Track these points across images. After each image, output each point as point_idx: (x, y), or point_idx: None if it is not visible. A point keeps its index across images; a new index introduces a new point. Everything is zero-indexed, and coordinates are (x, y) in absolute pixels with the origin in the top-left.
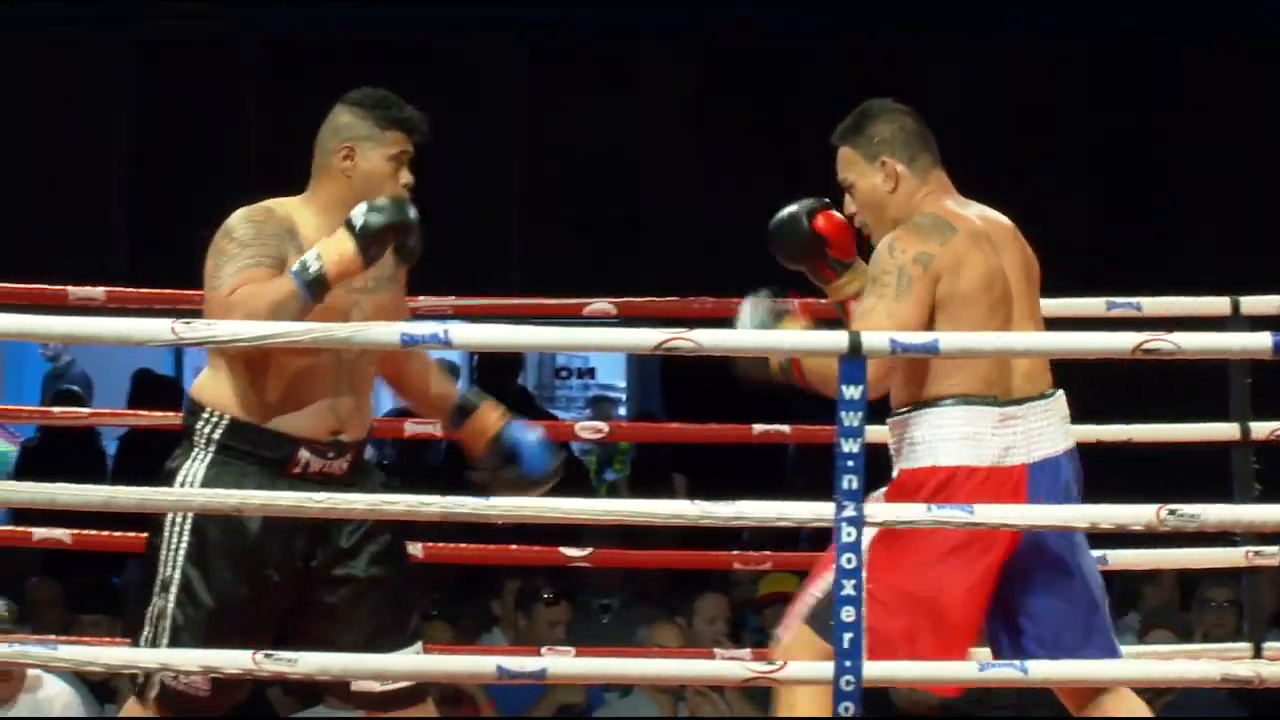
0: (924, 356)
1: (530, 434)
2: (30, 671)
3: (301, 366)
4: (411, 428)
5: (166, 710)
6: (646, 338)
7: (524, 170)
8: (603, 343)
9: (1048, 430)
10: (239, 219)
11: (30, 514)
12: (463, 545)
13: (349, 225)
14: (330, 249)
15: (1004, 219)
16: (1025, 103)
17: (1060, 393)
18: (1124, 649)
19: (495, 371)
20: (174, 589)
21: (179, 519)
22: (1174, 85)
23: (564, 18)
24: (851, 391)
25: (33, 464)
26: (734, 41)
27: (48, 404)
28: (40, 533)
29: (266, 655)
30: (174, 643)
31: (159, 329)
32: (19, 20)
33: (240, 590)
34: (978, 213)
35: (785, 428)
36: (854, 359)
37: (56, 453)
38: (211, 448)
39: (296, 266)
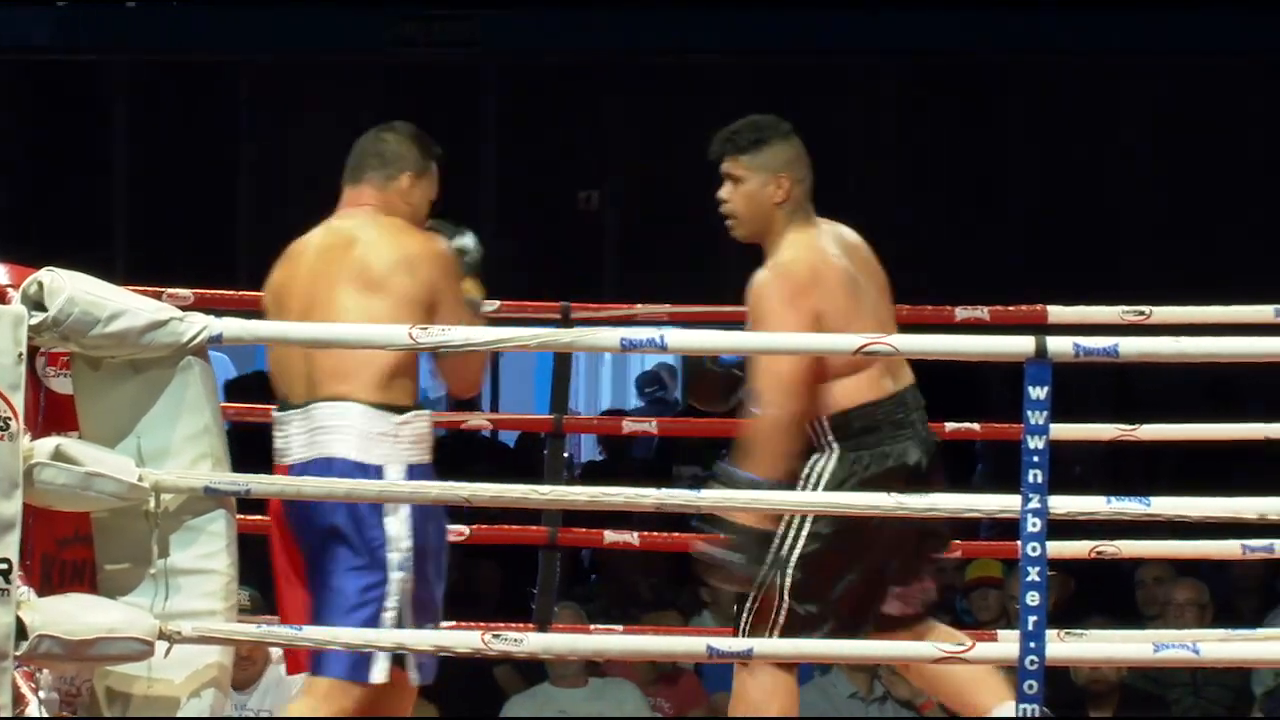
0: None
1: None
2: (274, 652)
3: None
4: (629, 425)
5: None
6: (848, 342)
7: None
8: (794, 346)
9: (302, 436)
10: None
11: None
12: (674, 535)
13: None
14: None
15: None
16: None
17: (330, 403)
18: None
19: None
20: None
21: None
22: None
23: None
24: (1037, 392)
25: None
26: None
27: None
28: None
29: (495, 636)
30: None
31: (398, 334)
32: None
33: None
34: None
35: (975, 425)
36: (1039, 362)
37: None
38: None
39: None
